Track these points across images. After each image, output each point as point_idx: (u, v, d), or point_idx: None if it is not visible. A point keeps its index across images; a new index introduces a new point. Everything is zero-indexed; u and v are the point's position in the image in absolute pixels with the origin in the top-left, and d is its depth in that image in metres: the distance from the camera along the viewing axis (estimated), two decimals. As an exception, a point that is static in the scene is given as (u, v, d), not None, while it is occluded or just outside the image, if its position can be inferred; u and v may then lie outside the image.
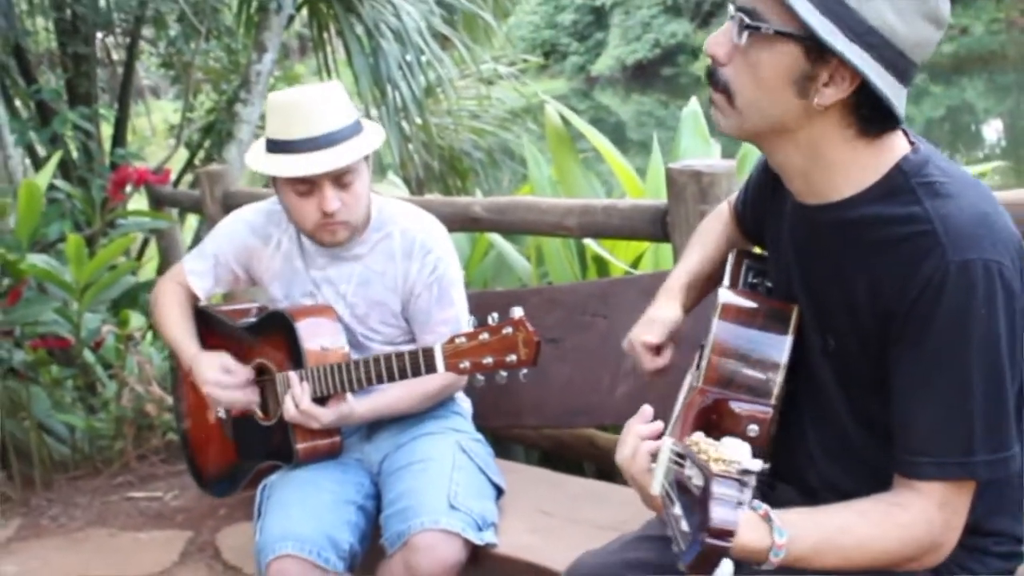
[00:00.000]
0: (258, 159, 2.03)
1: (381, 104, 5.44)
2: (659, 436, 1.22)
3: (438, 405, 2.17)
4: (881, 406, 1.25)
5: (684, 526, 1.01)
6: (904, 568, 1.21)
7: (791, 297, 1.36)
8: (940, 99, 17.78)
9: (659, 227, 2.26)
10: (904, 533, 1.18)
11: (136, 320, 3.59)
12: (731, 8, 1.22)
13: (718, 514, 0.96)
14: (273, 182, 2.07)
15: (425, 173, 6.16)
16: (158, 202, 4.61)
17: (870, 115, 1.20)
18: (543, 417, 2.52)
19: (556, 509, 2.13)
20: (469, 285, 3.28)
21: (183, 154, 5.78)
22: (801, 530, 1.14)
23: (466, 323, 1.81)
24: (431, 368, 1.83)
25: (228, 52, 6.00)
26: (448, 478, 1.97)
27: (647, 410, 1.27)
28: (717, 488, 0.98)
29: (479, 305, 1.80)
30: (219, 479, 2.30)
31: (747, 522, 1.10)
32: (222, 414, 2.23)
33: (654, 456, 1.16)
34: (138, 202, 4.79)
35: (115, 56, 6.21)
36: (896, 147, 1.24)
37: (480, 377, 1.78)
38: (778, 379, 1.30)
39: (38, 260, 3.20)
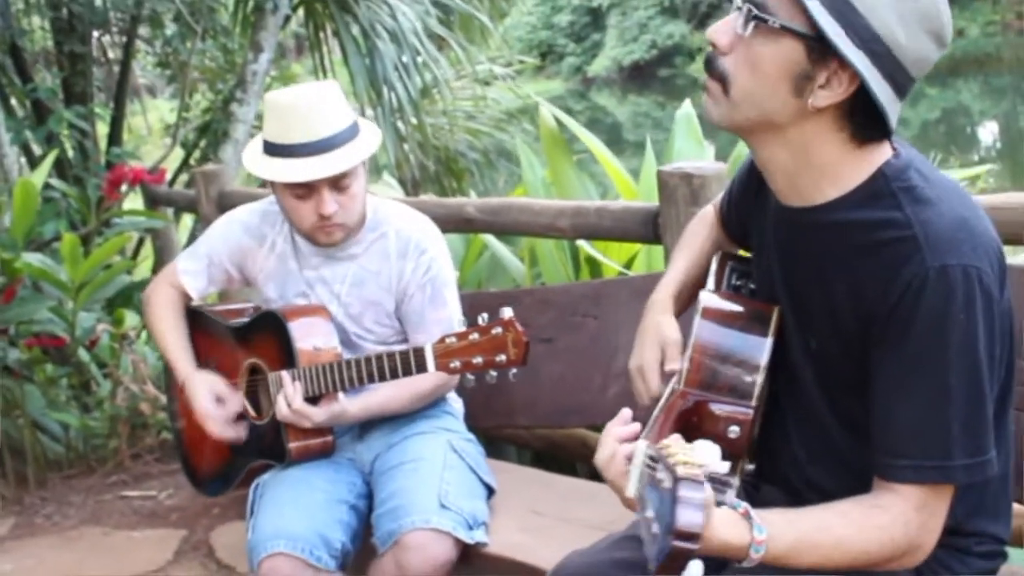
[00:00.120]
0: (256, 163, 2.05)
1: (377, 104, 5.46)
2: (636, 438, 1.24)
3: (430, 405, 2.19)
4: (863, 407, 1.26)
5: (655, 528, 1.03)
6: (883, 568, 1.22)
7: (774, 299, 1.37)
8: (936, 101, 17.80)
9: (650, 229, 2.28)
10: (882, 534, 1.19)
11: (131, 319, 3.60)
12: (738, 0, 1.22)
13: (683, 517, 0.98)
14: (271, 183, 2.09)
15: (421, 174, 6.17)
16: (154, 201, 4.62)
17: (864, 122, 1.21)
18: (535, 417, 2.54)
19: (547, 509, 2.15)
20: (463, 286, 3.31)
21: (179, 153, 5.79)
22: (781, 528, 1.15)
23: (458, 324, 1.83)
24: (422, 368, 1.84)
25: (224, 52, 6.01)
26: (439, 477, 1.99)
27: (626, 413, 1.28)
28: (683, 491, 0.99)
29: (473, 306, 1.81)
30: (212, 478, 2.31)
31: (727, 519, 1.12)
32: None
33: (631, 459, 1.17)
34: (134, 201, 4.81)
35: (111, 55, 6.21)
36: (880, 151, 1.25)
37: (470, 377, 1.80)
38: (759, 380, 1.31)
39: (33, 259, 3.21)
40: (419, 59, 5.63)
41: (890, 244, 1.20)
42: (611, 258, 3.13)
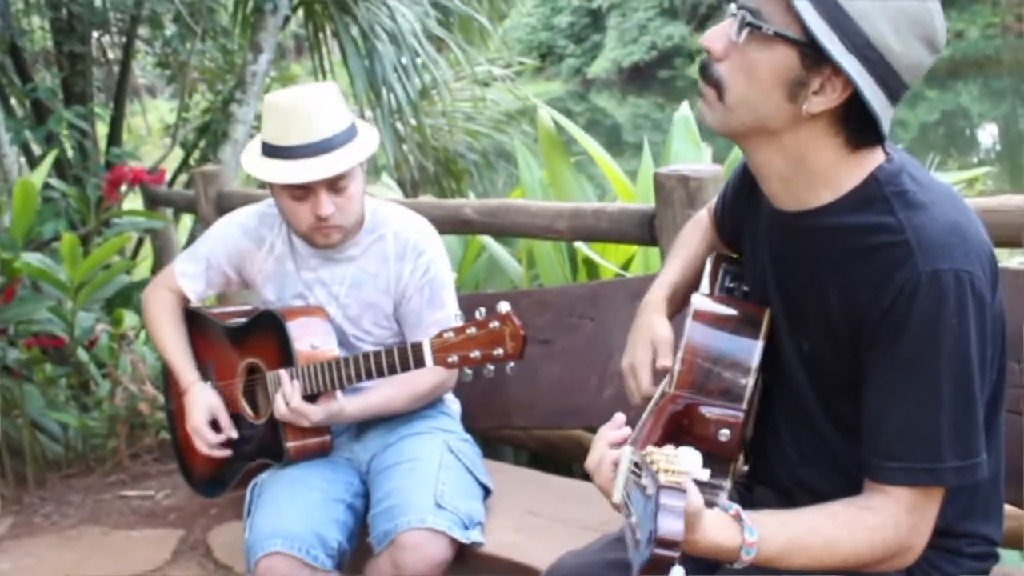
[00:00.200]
0: (254, 163, 2.06)
1: (376, 106, 5.47)
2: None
3: (427, 405, 2.19)
4: (855, 410, 1.27)
5: (638, 535, 1.03)
6: (874, 570, 1.23)
7: (766, 302, 1.38)
8: (935, 103, 17.81)
9: (646, 231, 2.29)
10: (873, 536, 1.20)
11: (130, 319, 3.60)
12: (733, 5, 1.23)
13: (665, 524, 0.98)
14: (269, 185, 2.10)
15: (420, 175, 6.18)
16: (153, 202, 4.63)
17: (857, 127, 1.22)
18: (532, 418, 2.55)
19: (543, 509, 2.16)
20: (461, 287, 3.32)
21: (178, 154, 5.80)
22: (772, 530, 1.16)
23: (456, 322, 1.83)
24: (420, 362, 1.85)
25: (224, 52, 6.01)
26: (435, 477, 2.00)
27: (619, 417, 1.29)
28: (665, 499, 0.99)
29: (470, 307, 1.82)
30: (209, 479, 2.32)
31: (719, 521, 1.13)
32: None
33: (618, 464, 1.18)
34: (133, 201, 4.81)
35: (111, 55, 6.22)
36: (872, 157, 1.26)
37: (468, 371, 1.81)
38: (749, 383, 1.31)
39: (32, 258, 3.22)
40: (418, 60, 5.64)
41: (883, 249, 1.21)
42: (608, 260, 3.14)
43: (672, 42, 26.70)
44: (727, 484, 1.25)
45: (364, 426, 2.19)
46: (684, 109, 3.51)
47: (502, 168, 6.94)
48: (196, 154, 5.68)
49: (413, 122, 5.87)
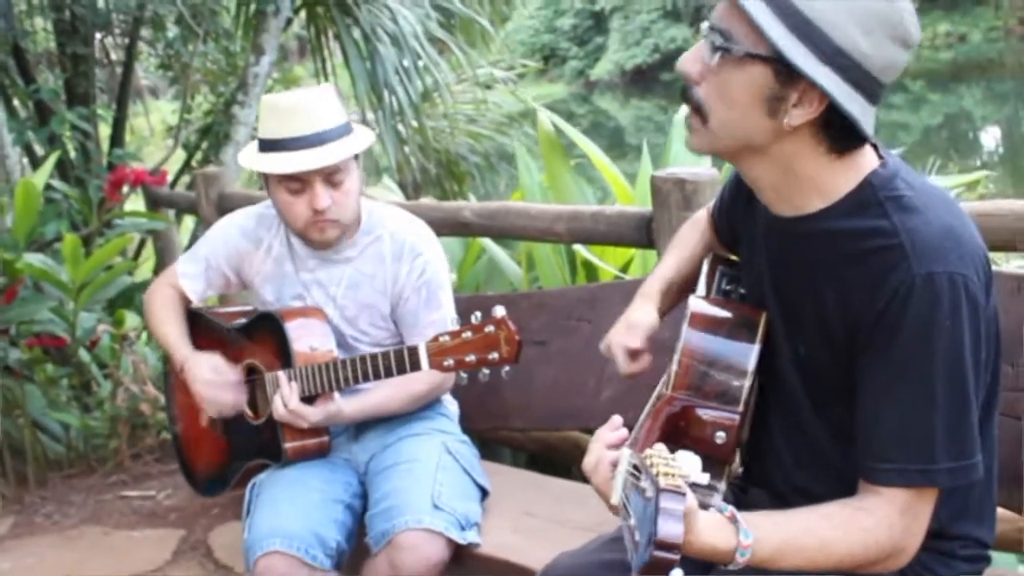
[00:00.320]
0: (250, 158, 2.08)
1: (378, 108, 5.48)
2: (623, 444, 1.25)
3: (425, 407, 2.20)
4: (850, 414, 1.27)
5: (637, 537, 1.04)
6: (868, 571, 1.24)
7: (762, 306, 1.39)
8: (938, 106, 17.81)
9: (644, 233, 2.30)
10: (867, 537, 1.21)
11: (131, 320, 3.62)
12: (704, 27, 1.24)
13: (664, 527, 0.99)
14: (265, 181, 2.11)
15: (421, 177, 6.19)
16: (155, 203, 4.64)
17: (839, 134, 1.23)
18: (529, 420, 2.55)
19: (540, 510, 2.17)
20: (461, 289, 3.33)
21: (180, 155, 5.81)
22: (767, 532, 1.17)
23: (452, 325, 1.84)
24: (416, 366, 1.86)
25: (226, 54, 6.02)
26: (432, 478, 2.01)
27: (616, 419, 1.30)
28: (665, 502, 1.00)
29: (469, 309, 1.83)
30: (210, 479, 2.33)
31: (714, 523, 1.14)
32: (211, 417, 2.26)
33: (616, 465, 1.19)
34: (135, 203, 4.82)
35: (114, 57, 6.24)
36: (866, 161, 1.27)
37: (463, 375, 1.82)
38: (745, 386, 1.32)
39: (34, 259, 3.23)
40: (420, 63, 5.66)
41: (877, 252, 1.22)
42: (607, 262, 3.15)
43: (675, 44, 26.67)
44: (722, 486, 1.26)
45: (362, 427, 2.20)
46: (683, 111, 3.50)
47: (504, 170, 6.95)
48: (198, 155, 5.69)
49: (415, 124, 5.88)
